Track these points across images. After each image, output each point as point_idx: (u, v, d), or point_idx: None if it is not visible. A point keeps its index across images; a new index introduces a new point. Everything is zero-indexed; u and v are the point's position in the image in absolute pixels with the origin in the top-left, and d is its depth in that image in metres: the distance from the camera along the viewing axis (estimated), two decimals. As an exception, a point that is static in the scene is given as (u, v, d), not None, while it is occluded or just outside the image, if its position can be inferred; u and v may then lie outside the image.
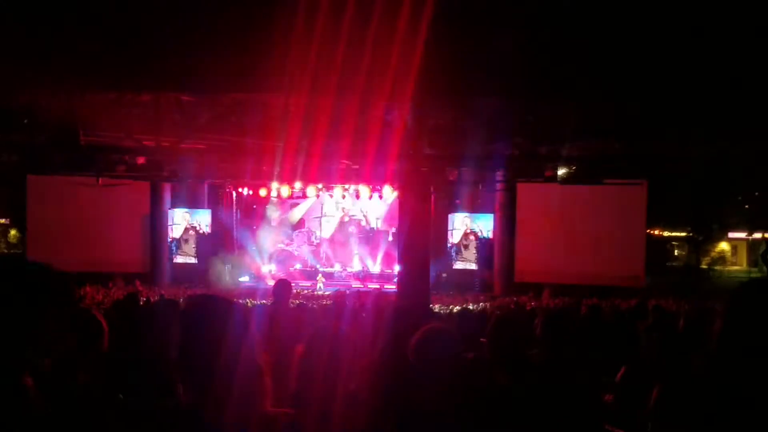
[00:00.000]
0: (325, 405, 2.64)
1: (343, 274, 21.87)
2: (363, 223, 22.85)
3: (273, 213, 22.74)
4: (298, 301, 13.65)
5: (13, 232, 30.38)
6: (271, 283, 12.14)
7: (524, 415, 2.91)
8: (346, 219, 22.84)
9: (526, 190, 19.26)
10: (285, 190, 20.38)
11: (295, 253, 22.87)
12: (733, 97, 11.47)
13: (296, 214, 23.09)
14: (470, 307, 13.81)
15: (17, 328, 1.70)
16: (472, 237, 21.01)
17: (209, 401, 1.94)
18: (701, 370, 1.88)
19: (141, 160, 16.63)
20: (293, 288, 7.51)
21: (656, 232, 28.71)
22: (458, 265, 20.94)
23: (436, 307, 13.73)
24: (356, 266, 22.19)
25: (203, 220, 21.58)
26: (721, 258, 36.60)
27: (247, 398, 1.99)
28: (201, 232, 21.45)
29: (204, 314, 2.04)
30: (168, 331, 3.87)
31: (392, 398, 2.94)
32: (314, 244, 22.99)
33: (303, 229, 23.12)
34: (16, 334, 1.70)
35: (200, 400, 1.96)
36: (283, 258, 22.75)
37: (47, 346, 1.76)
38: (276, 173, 18.05)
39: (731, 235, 36.71)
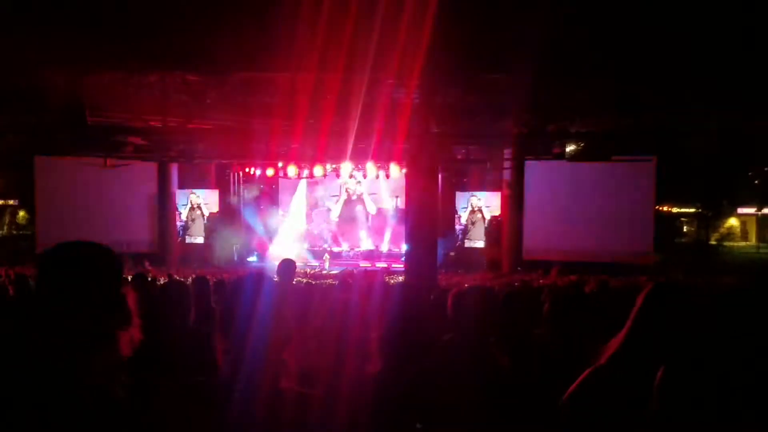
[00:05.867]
0: (334, 381, 2.65)
1: (351, 254, 21.88)
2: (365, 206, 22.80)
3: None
4: (305, 281, 13.72)
5: (21, 213, 30.46)
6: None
7: (527, 394, 2.91)
8: (354, 197, 22.79)
9: (534, 168, 19.18)
10: (292, 170, 20.33)
11: (315, 232, 22.87)
12: (741, 72, 11.37)
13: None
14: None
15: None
16: (479, 215, 21.02)
17: (245, 375, 2.00)
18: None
19: (148, 140, 16.65)
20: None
21: (665, 209, 28.58)
22: (467, 244, 21.02)
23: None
24: (365, 245, 22.20)
25: (211, 199, 21.71)
26: (731, 234, 36.45)
27: (272, 372, 2.05)
28: (205, 213, 21.64)
29: (253, 289, 2.13)
30: (178, 310, 3.88)
31: (400, 373, 2.95)
32: (332, 223, 22.97)
33: (322, 208, 23.10)
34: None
35: (238, 374, 2.02)
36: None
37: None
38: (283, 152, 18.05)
39: (740, 210, 36.55)
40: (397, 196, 21.61)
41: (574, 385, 2.12)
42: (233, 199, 22.25)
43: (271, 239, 22.32)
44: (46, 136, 17.67)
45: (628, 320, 2.08)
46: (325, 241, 22.51)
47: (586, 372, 2.12)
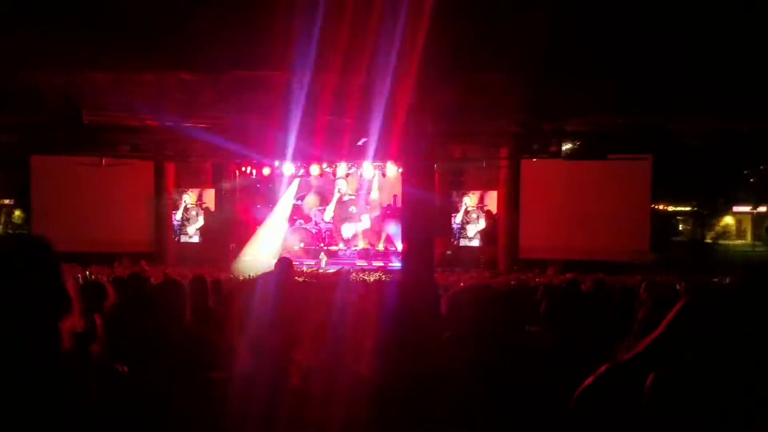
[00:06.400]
0: (332, 380, 2.66)
1: (347, 252, 21.85)
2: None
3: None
4: (302, 279, 13.70)
5: (17, 212, 30.38)
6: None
7: (524, 392, 2.91)
8: (345, 199, 22.60)
9: (530, 166, 19.19)
10: (289, 169, 20.32)
11: (313, 231, 22.75)
12: (738, 70, 11.37)
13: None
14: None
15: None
16: (475, 214, 21.00)
17: (248, 374, 2.01)
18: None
19: (144, 139, 16.62)
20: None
21: (661, 207, 28.63)
22: (463, 243, 20.99)
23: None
24: (361, 244, 22.14)
25: (206, 198, 21.67)
26: (726, 232, 36.54)
27: (277, 371, 2.07)
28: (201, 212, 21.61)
29: (273, 288, 2.17)
30: (173, 309, 3.87)
31: (398, 373, 2.95)
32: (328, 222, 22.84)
33: (321, 207, 22.97)
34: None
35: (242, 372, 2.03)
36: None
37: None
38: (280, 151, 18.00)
39: (736, 209, 36.62)
40: (394, 195, 21.56)
41: (590, 379, 2.10)
42: (229, 198, 22.20)
43: (264, 238, 22.26)
44: (43, 135, 17.63)
45: (661, 324, 2.06)
46: (323, 240, 22.44)
47: (604, 367, 2.11)
